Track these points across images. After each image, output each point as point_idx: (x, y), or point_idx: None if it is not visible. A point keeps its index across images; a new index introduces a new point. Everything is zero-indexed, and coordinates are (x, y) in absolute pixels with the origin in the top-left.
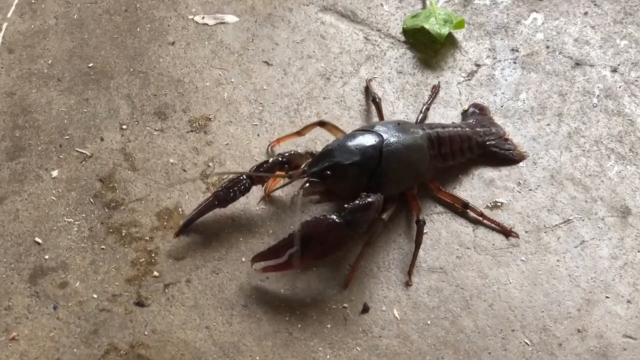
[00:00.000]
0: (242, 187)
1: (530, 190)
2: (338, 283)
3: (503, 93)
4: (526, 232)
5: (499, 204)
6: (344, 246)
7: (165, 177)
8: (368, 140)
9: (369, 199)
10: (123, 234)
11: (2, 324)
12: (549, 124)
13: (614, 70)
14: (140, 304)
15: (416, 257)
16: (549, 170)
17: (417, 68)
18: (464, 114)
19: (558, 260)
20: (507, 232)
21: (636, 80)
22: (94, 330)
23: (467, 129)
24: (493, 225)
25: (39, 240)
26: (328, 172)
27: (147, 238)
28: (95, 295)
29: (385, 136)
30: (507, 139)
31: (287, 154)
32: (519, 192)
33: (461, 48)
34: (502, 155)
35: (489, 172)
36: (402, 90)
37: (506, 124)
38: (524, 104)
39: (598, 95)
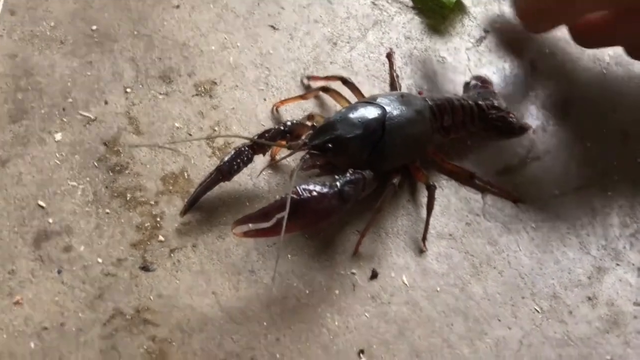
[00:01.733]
0: (245, 157)
1: (540, 157)
2: (347, 249)
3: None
4: (536, 199)
5: (508, 170)
6: (331, 217)
7: (171, 141)
8: (370, 113)
9: (358, 175)
10: (128, 198)
11: (6, 288)
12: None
13: None
14: (145, 268)
15: (429, 222)
16: (559, 137)
17: (425, 34)
18: (466, 86)
19: (568, 228)
20: (515, 199)
21: None
22: (99, 295)
23: (470, 101)
24: (501, 193)
25: (43, 204)
26: (329, 145)
27: (152, 202)
28: (100, 260)
29: (388, 109)
30: (510, 112)
31: (289, 123)
32: (529, 158)
33: (470, 14)
34: (504, 128)
35: (499, 139)
36: (410, 56)
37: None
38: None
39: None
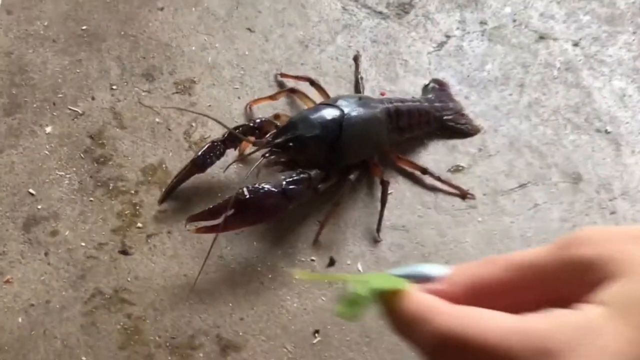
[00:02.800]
0: (218, 152)
1: (490, 155)
2: (308, 238)
3: (470, 63)
4: (484, 194)
5: (460, 167)
6: (278, 214)
7: (151, 135)
8: (329, 114)
9: (303, 175)
10: (110, 188)
11: None
12: (511, 94)
13: (575, 45)
14: (124, 252)
15: (382, 215)
16: (509, 137)
17: (390, 38)
18: (425, 88)
19: (512, 222)
20: (463, 194)
21: (595, 55)
22: (81, 276)
23: (426, 103)
24: (451, 189)
25: (33, 191)
26: (290, 144)
27: (133, 192)
28: (83, 244)
29: (346, 110)
30: (463, 114)
31: (258, 121)
32: (480, 157)
33: (433, 19)
34: (457, 129)
35: (451, 139)
36: (375, 59)
37: (471, 93)
38: (489, 75)
39: (559, 68)
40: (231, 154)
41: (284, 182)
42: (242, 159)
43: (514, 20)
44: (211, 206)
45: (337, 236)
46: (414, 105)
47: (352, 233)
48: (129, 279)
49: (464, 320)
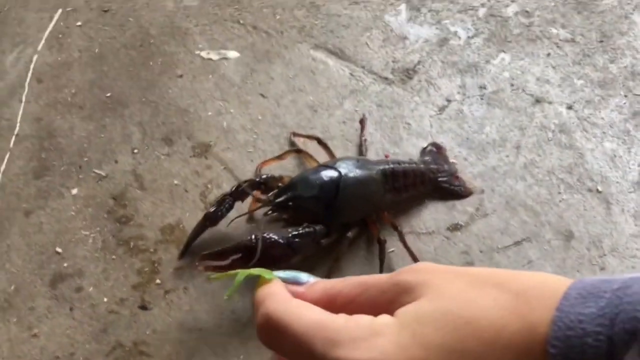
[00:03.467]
0: (228, 205)
1: (487, 214)
2: None
3: (469, 126)
4: (481, 251)
5: (458, 226)
6: (282, 263)
7: (170, 196)
8: (327, 175)
9: (309, 229)
10: (131, 246)
11: (26, 322)
12: (507, 155)
13: (570, 108)
14: (143, 307)
15: (382, 272)
16: (505, 197)
17: (395, 102)
18: (423, 151)
19: None
20: (415, 260)
21: (588, 117)
22: (103, 329)
23: (422, 165)
24: (408, 252)
25: (59, 250)
26: (290, 203)
27: (152, 250)
28: (105, 299)
29: (343, 172)
30: (457, 177)
31: (264, 177)
32: (477, 216)
33: (435, 84)
34: (451, 190)
35: (448, 200)
36: (380, 123)
37: (470, 155)
38: (487, 137)
39: (553, 130)
40: (239, 206)
41: (290, 235)
42: (246, 214)
43: (512, 85)
44: (222, 248)
45: None
46: (410, 167)
47: None
48: (147, 333)
49: (286, 307)
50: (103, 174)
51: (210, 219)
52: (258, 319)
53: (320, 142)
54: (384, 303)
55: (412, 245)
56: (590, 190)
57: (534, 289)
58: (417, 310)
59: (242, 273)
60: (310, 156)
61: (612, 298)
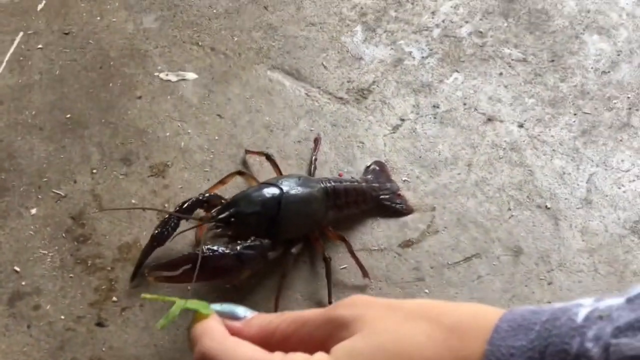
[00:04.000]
0: (173, 224)
1: (438, 231)
2: (269, 309)
3: (422, 145)
4: (431, 267)
5: (410, 242)
6: (230, 274)
7: (127, 215)
8: (269, 192)
9: (256, 242)
10: (89, 264)
11: None
12: (459, 173)
13: (521, 126)
14: (100, 324)
15: (330, 290)
16: (456, 214)
17: (349, 122)
18: (366, 169)
19: (456, 293)
20: (365, 273)
21: (539, 135)
22: (60, 347)
23: (363, 183)
24: (360, 267)
25: (18, 269)
26: (232, 219)
27: (109, 268)
28: (62, 317)
29: (285, 189)
30: (399, 195)
31: (207, 195)
32: (428, 233)
33: (389, 104)
34: (392, 208)
35: (393, 217)
36: (335, 142)
37: (422, 173)
38: (440, 155)
39: (504, 148)
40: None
41: (239, 247)
42: (189, 229)
43: (465, 104)
44: (172, 259)
45: (295, 307)
46: (352, 185)
47: (309, 305)
48: (103, 349)
49: (222, 346)
50: (62, 193)
51: (157, 239)
52: (195, 355)
53: (268, 157)
54: (320, 338)
55: (364, 261)
56: (539, 206)
57: (467, 323)
58: (351, 347)
59: (178, 305)
60: (253, 177)
61: (541, 331)
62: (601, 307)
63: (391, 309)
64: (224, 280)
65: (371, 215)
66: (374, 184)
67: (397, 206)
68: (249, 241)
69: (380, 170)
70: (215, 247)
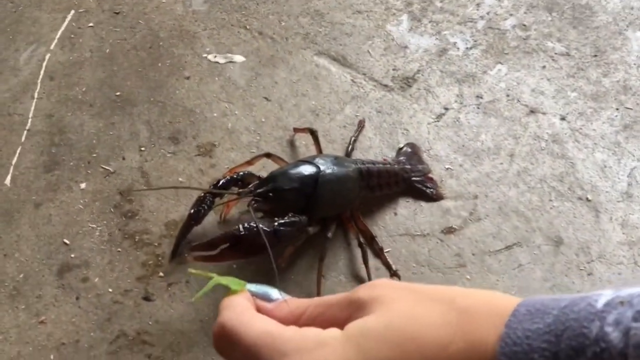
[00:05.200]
0: (209, 202)
1: (480, 219)
2: (311, 290)
3: (465, 134)
4: (473, 254)
5: (452, 229)
6: (266, 250)
7: (174, 193)
8: (307, 170)
9: (294, 218)
10: (136, 240)
11: (34, 309)
12: (502, 163)
13: (563, 119)
14: (147, 298)
15: (369, 274)
16: (498, 202)
17: (394, 109)
18: (399, 151)
19: (497, 280)
20: (391, 272)
21: (580, 128)
22: (108, 319)
23: (396, 165)
24: (384, 263)
25: (67, 241)
26: (270, 194)
27: (156, 244)
28: (110, 290)
29: (322, 167)
30: (431, 178)
31: (241, 173)
32: (470, 220)
33: (433, 93)
34: (423, 192)
35: (446, 202)
36: (379, 128)
37: (465, 161)
38: (482, 145)
39: (546, 140)
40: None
41: (276, 224)
42: (225, 202)
43: (508, 95)
44: (210, 239)
45: (338, 289)
46: (384, 167)
47: (353, 286)
48: (150, 323)
49: (239, 318)
50: (111, 169)
51: (194, 218)
52: (214, 326)
53: (312, 132)
54: (341, 320)
55: (407, 247)
56: (580, 198)
57: (481, 307)
58: (364, 325)
59: (214, 280)
60: (281, 159)
61: (559, 315)
62: (622, 294)
63: (409, 291)
64: (261, 255)
65: (401, 198)
66: (406, 166)
67: (428, 190)
68: (286, 218)
69: (412, 152)
70: (252, 224)
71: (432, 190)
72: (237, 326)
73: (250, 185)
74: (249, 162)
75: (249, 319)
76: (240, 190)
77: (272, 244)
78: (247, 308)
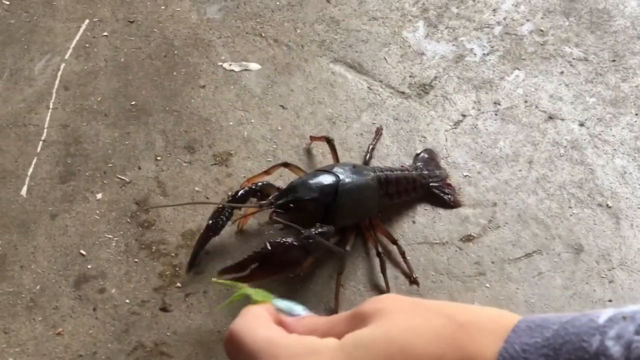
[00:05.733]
0: (227, 214)
1: (499, 226)
2: (329, 299)
3: (483, 141)
4: (492, 262)
5: (471, 237)
6: (298, 266)
7: (191, 204)
8: (326, 179)
9: (323, 229)
10: (153, 250)
11: (51, 321)
12: (520, 170)
13: (582, 125)
14: (164, 309)
15: (387, 283)
16: (517, 210)
17: (411, 116)
18: (416, 157)
19: (517, 288)
20: (411, 279)
21: (600, 134)
22: (125, 330)
23: (413, 172)
24: (406, 267)
25: (84, 252)
26: (291, 205)
27: (173, 254)
28: (127, 301)
29: (341, 177)
30: (449, 184)
31: (259, 184)
32: (489, 228)
33: (450, 100)
34: (441, 198)
35: (464, 210)
36: (397, 135)
37: (484, 169)
38: (501, 152)
39: (565, 146)
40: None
41: (303, 238)
42: (246, 216)
43: (526, 101)
44: (239, 260)
45: (357, 298)
46: (402, 174)
47: (370, 295)
48: (168, 334)
49: (247, 325)
50: (127, 179)
51: (212, 229)
52: (225, 332)
53: (328, 141)
54: (346, 333)
55: (426, 255)
56: (600, 205)
57: (482, 323)
58: (358, 335)
59: (242, 290)
60: (299, 168)
61: (559, 329)
62: (626, 310)
63: (411, 305)
64: (291, 271)
65: (420, 205)
66: (423, 172)
67: (446, 197)
68: (313, 229)
69: (429, 158)
70: (278, 240)
71: (450, 196)
72: (244, 332)
73: (270, 197)
74: (267, 172)
75: (255, 327)
76: (262, 202)
77: (302, 257)
78: (258, 316)
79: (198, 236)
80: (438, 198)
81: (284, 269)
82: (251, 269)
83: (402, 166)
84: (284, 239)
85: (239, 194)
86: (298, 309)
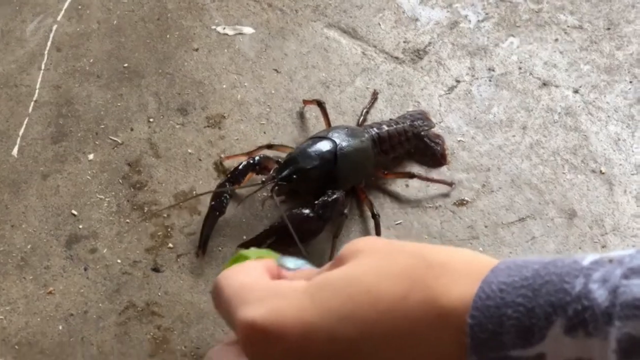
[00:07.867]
0: (229, 190)
1: (493, 191)
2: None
3: (477, 106)
4: (486, 226)
5: (464, 201)
6: (315, 236)
7: (183, 164)
8: (324, 146)
9: (335, 196)
10: (145, 211)
11: (42, 280)
12: (514, 135)
13: (576, 92)
14: (156, 269)
15: None
16: (511, 175)
17: (405, 81)
18: (405, 113)
19: (510, 252)
20: (448, 184)
21: (594, 101)
22: (116, 290)
23: (401, 124)
24: (439, 182)
25: (75, 212)
26: (294, 176)
27: (165, 215)
28: (119, 261)
29: (338, 141)
30: (438, 135)
31: (257, 158)
32: (483, 192)
33: (444, 65)
34: (429, 147)
35: (458, 174)
36: (390, 100)
37: (477, 134)
38: (494, 117)
39: (559, 113)
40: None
41: (317, 206)
42: (251, 194)
43: (520, 68)
44: (256, 235)
45: None
46: (394, 128)
47: None
48: (159, 294)
49: (229, 273)
50: (119, 140)
51: (217, 209)
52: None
53: (320, 104)
54: None
55: (419, 219)
56: (593, 171)
57: (457, 264)
58: (325, 276)
59: (254, 253)
60: (284, 145)
61: (539, 269)
62: (612, 254)
63: (386, 246)
64: (309, 241)
65: (417, 168)
66: (413, 122)
67: (434, 147)
68: (325, 197)
69: (418, 112)
70: (293, 212)
71: (438, 148)
72: (223, 279)
73: (272, 170)
74: (249, 154)
75: (236, 274)
76: (263, 179)
77: (319, 228)
78: (245, 266)
79: (191, 197)
80: (427, 145)
81: (302, 241)
82: (268, 243)
83: (390, 119)
84: (299, 210)
85: (239, 169)
86: (300, 263)
